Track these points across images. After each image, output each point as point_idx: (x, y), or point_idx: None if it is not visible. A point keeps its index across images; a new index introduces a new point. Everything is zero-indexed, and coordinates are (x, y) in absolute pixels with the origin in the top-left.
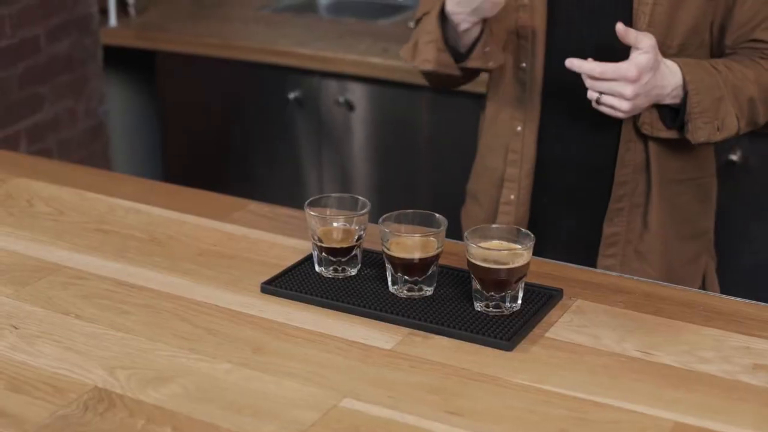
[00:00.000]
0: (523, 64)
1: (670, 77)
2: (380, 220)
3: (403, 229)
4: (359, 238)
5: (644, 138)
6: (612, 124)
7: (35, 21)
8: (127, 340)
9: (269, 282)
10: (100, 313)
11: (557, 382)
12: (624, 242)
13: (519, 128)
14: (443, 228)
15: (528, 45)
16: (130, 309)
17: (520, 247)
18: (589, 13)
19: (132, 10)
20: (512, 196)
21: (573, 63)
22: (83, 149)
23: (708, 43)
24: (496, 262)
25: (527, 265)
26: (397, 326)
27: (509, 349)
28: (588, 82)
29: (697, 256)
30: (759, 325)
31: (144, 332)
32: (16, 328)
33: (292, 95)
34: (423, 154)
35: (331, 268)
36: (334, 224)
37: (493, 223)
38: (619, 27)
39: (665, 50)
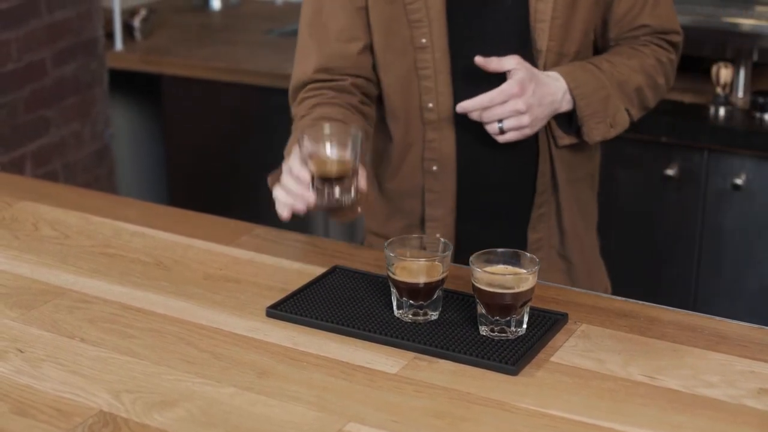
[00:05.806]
0: (430, 105)
1: (554, 83)
2: (385, 244)
3: (408, 254)
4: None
5: (549, 147)
6: (528, 140)
7: (41, 45)
8: (132, 364)
9: (274, 306)
10: (106, 337)
11: (562, 407)
12: (548, 246)
13: (435, 168)
14: (448, 252)
15: (432, 84)
16: (135, 333)
17: (525, 271)
18: (490, 41)
19: (138, 34)
20: (437, 235)
21: (464, 107)
22: (89, 173)
23: (592, 41)
24: (501, 286)
25: (532, 289)
26: (402, 350)
27: (514, 373)
28: (484, 116)
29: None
30: (764, 349)
31: (149, 356)
32: (21, 352)
33: None
34: None
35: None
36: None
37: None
38: (479, 59)
39: (562, 58)
